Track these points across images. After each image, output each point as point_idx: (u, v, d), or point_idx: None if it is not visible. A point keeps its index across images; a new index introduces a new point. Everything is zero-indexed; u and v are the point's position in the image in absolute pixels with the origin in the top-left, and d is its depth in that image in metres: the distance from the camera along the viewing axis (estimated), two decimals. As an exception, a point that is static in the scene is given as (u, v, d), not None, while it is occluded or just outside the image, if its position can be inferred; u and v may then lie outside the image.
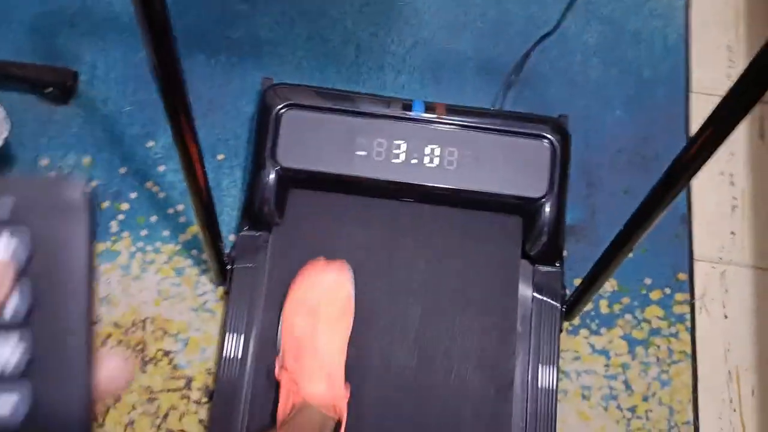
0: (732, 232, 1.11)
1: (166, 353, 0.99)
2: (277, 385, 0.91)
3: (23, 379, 0.23)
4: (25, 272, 0.23)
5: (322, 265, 0.93)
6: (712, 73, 1.17)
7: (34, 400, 0.23)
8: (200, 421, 0.96)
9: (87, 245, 0.23)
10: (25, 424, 0.22)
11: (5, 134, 0.95)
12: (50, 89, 1.04)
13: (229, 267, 0.97)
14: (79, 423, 0.23)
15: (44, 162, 1.05)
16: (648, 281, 1.08)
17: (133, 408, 0.96)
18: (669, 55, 1.18)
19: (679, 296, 1.07)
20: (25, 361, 0.23)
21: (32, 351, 0.23)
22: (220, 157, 1.08)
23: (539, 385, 0.96)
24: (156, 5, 0.56)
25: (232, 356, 0.94)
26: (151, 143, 1.08)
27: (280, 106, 0.98)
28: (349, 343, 0.93)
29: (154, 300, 1.00)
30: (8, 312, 0.23)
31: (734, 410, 1.02)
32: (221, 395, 0.93)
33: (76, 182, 0.24)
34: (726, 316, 1.06)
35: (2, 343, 0.23)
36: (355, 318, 0.96)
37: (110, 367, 0.24)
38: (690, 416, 1.02)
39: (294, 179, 0.99)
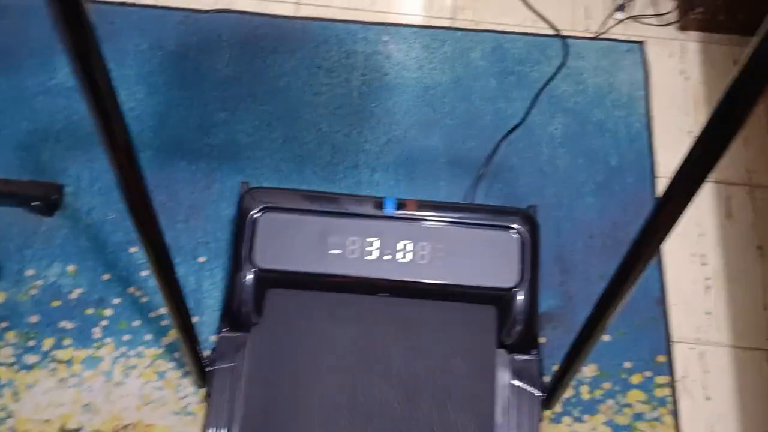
0: (707, 312, 1.12)
1: (148, 459, 0.99)
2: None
3: None
4: None
5: None
6: (676, 158, 1.21)
7: None
8: None
9: None
10: None
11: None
12: (36, 203, 1.09)
13: (208, 369, 0.99)
14: None
15: (29, 272, 1.08)
16: (628, 365, 1.08)
17: None
18: (633, 143, 1.22)
19: (659, 379, 1.07)
20: None
21: None
22: (201, 259, 1.11)
23: (523, 478, 0.96)
24: (117, 131, 0.60)
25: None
26: (133, 249, 1.11)
27: (256, 210, 1.02)
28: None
29: (136, 406, 1.01)
30: None
31: (724, 495, 1.01)
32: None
33: None
34: (708, 398, 1.06)
35: None
36: (332, 414, 0.96)
37: None
38: (680, 503, 1.00)
39: (271, 280, 1.01)
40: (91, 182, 1.15)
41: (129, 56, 1.25)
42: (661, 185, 1.20)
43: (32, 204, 1.09)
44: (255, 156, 1.19)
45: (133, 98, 1.21)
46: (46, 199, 1.09)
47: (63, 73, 1.22)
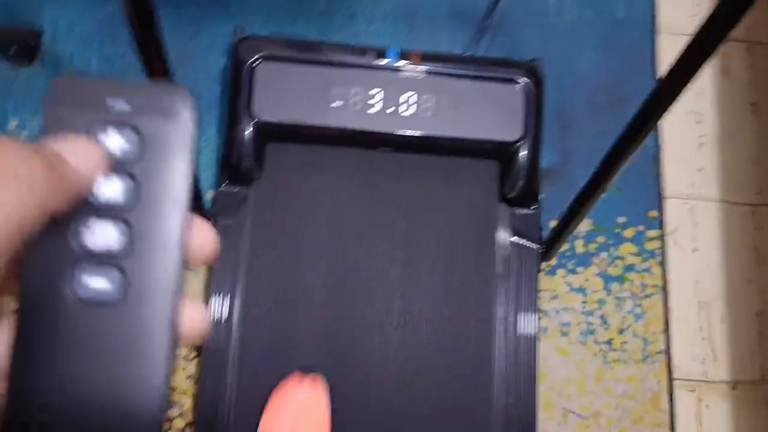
0: (700, 169, 1.14)
1: (152, 312, 0.99)
2: (264, 343, 0.93)
3: (119, 262, 0.25)
4: (130, 168, 0.26)
5: (296, 384, 0.91)
6: (678, 13, 1.18)
7: (128, 282, 0.25)
8: (189, 377, 0.97)
9: (189, 152, 0.26)
10: (120, 303, 0.25)
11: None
12: (13, 50, 1.01)
13: (210, 223, 0.97)
14: (169, 305, 0.25)
15: (13, 123, 1.03)
16: (621, 220, 1.11)
17: (122, 367, 0.96)
18: (641, -6, 1.18)
19: (651, 233, 1.11)
20: (127, 242, 0.25)
21: (134, 235, 0.25)
22: (194, 112, 1.07)
23: (520, 326, 0.99)
24: None
25: (218, 313, 0.95)
26: (121, 101, 1.05)
27: (253, 59, 0.97)
28: (333, 298, 0.95)
29: (136, 260, 1.00)
30: (111, 198, 0.25)
31: (704, 338, 1.07)
32: (209, 351, 0.94)
33: (185, 92, 0.26)
34: (695, 250, 1.10)
35: (103, 227, 0.25)
36: (335, 269, 0.97)
37: (197, 236, 0.27)
38: (663, 346, 1.06)
39: (271, 132, 0.98)
40: (69, 27, 1.06)
41: None
42: (662, 41, 1.18)
43: (9, 52, 1.01)
44: (245, 2, 1.12)
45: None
46: (24, 45, 1.02)
47: None
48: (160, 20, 1.07)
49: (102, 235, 0.25)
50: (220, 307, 0.95)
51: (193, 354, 0.98)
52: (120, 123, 0.25)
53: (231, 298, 0.95)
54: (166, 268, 0.25)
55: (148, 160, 0.26)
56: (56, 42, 1.06)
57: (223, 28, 1.09)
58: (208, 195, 1.04)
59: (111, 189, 0.26)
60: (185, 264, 0.26)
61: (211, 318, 0.95)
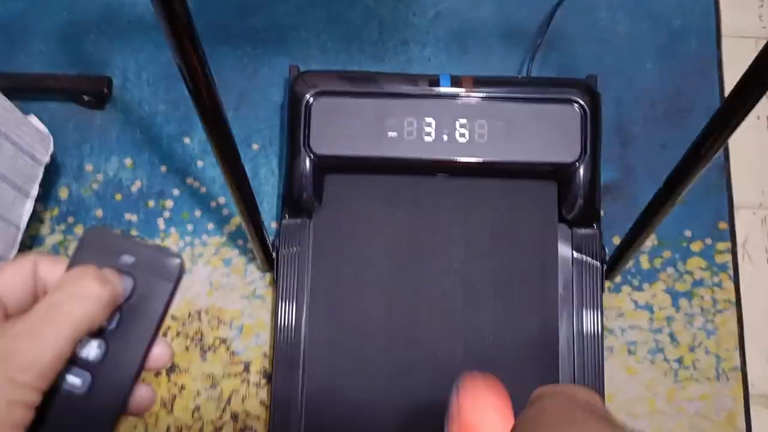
0: (771, 177, 1.10)
1: (223, 341, 1.03)
2: (328, 367, 0.96)
3: (96, 365, 0.33)
4: (121, 305, 0.34)
5: None
6: (743, 15, 1.14)
7: (100, 380, 0.33)
8: (261, 402, 1.01)
9: (166, 301, 0.35)
10: (89, 394, 0.33)
11: (51, 149, 0.99)
12: (87, 97, 1.07)
13: (274, 254, 1.01)
14: (125, 395, 0.34)
15: (89, 168, 1.09)
16: (688, 233, 1.08)
17: (198, 394, 1.01)
18: (698, 1, 1.15)
19: (720, 245, 1.07)
20: (101, 354, 0.34)
21: (108, 351, 0.34)
22: (256, 146, 1.11)
23: (585, 345, 0.99)
24: (177, 7, 0.57)
25: (285, 339, 0.98)
26: (187, 140, 1.10)
27: (309, 95, 1.00)
28: (396, 325, 0.97)
29: (207, 291, 1.05)
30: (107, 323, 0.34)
31: (782, 354, 1.03)
32: (279, 377, 0.98)
33: (176, 258, 0.35)
34: (769, 262, 1.06)
35: (91, 340, 0.34)
36: (396, 295, 0.99)
37: (156, 351, 0.35)
38: (737, 362, 1.03)
39: (329, 165, 1.01)
40: (137, 73, 1.13)
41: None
42: (727, 45, 1.14)
43: (84, 98, 1.08)
44: (300, 37, 1.15)
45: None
46: (97, 92, 1.08)
47: (94, -42, 1.17)
48: (221, 63, 1.12)
49: (86, 348, 0.33)
50: (286, 332, 0.98)
51: (264, 380, 1.02)
52: (125, 271, 0.34)
53: (296, 324, 0.98)
54: (125, 376, 0.34)
55: (135, 299, 0.34)
56: (126, 88, 1.12)
57: (280, 64, 1.13)
58: (272, 225, 1.07)
59: None
60: (144, 370, 0.34)
61: (279, 344, 0.98)
